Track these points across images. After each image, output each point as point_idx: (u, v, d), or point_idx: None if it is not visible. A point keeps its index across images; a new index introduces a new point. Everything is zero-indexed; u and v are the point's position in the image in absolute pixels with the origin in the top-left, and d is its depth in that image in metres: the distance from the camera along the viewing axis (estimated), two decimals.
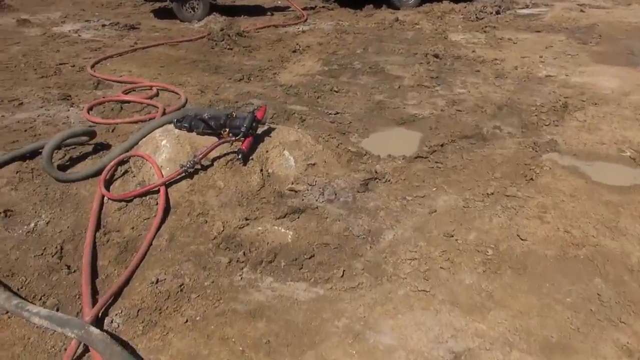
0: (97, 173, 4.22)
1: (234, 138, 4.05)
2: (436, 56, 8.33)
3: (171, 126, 4.41)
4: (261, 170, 4.18)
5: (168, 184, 3.91)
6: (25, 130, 5.40)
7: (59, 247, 3.50)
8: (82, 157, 4.71)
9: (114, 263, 3.41)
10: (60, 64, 7.87)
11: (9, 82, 6.96)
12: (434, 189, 4.26)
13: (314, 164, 4.51)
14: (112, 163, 4.21)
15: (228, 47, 9.20)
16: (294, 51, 9.03)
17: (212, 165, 4.08)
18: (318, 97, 6.72)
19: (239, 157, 4.05)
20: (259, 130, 4.43)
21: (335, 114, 6.17)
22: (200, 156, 3.95)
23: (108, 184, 4.13)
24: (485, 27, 10.46)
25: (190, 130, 4.31)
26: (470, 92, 6.76)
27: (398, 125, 5.88)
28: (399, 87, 7.18)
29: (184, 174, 3.95)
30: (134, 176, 4.18)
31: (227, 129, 4.13)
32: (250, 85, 7.29)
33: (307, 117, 5.97)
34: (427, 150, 5.03)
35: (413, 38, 9.98)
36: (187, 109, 5.39)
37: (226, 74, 7.78)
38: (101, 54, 8.51)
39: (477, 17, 11.42)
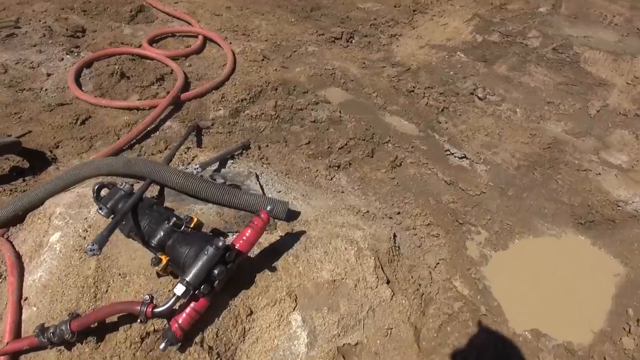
0: None
1: (150, 305, 1.71)
2: None
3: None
4: None
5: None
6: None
7: None
8: None
9: None
10: None
11: None
12: None
13: (355, 345, 2.08)
14: None
15: None
16: None
17: (103, 340, 1.83)
18: (443, 108, 3.89)
19: (164, 344, 1.72)
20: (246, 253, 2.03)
21: (460, 159, 3.40)
22: (81, 321, 1.72)
23: None
24: None
25: (111, 216, 2.06)
26: None
27: (578, 227, 2.97)
28: (599, 110, 3.98)
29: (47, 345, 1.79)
30: None
31: (166, 256, 1.79)
32: (345, 54, 4.60)
33: (405, 155, 3.32)
34: None
35: None
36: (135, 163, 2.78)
37: (320, 23, 5.12)
38: None
39: None
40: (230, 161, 2.73)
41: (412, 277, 2.43)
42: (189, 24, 4.77)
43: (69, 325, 1.70)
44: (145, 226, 1.88)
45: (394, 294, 2.23)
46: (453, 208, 2.98)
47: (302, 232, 2.22)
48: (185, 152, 2.81)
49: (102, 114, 3.44)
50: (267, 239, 2.14)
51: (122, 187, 2.03)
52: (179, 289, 1.65)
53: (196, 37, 4.56)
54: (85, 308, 1.82)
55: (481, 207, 3.02)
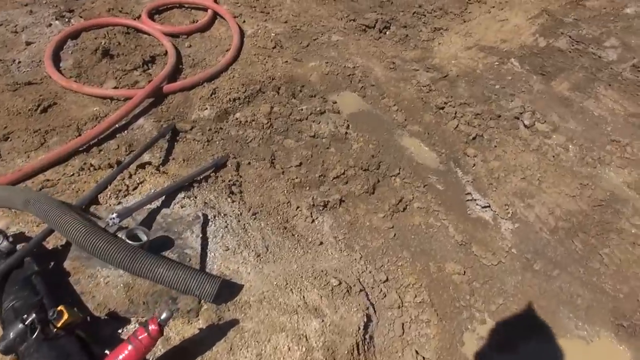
0: None
1: None
2: None
3: None
4: None
5: None
6: None
7: None
8: None
9: None
10: None
11: None
12: None
13: None
14: None
15: None
16: None
17: None
18: (476, 136, 3.17)
19: None
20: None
21: (482, 208, 2.73)
22: None
23: None
24: None
25: None
26: None
27: (618, 330, 2.29)
28: None
29: None
30: None
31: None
32: (373, 48, 3.90)
33: (413, 196, 2.70)
34: None
35: None
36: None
37: (354, 6, 4.39)
38: None
39: None
40: (181, 194, 2.20)
41: None
42: None
43: None
44: (7, 308, 1.43)
45: None
46: (457, 282, 2.36)
47: (234, 323, 1.71)
48: (135, 173, 2.30)
49: (70, 100, 2.99)
50: (182, 331, 1.64)
51: (0, 242, 1.57)
52: None
53: (205, 10, 3.98)
54: None
55: (495, 284, 2.39)
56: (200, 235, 1.96)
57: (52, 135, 2.73)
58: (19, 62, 3.22)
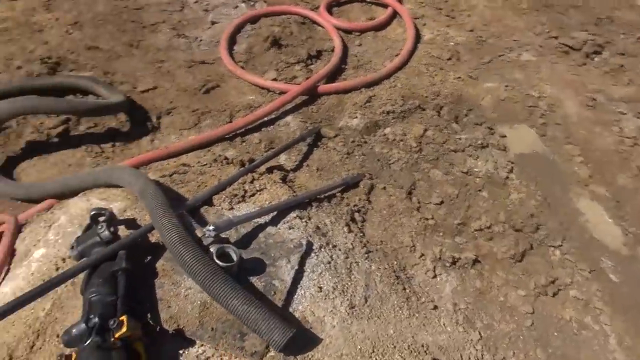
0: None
1: None
2: None
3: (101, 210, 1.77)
4: None
5: None
6: None
7: None
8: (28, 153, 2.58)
9: None
10: None
11: None
12: None
13: None
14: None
15: None
16: None
17: None
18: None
19: None
20: None
21: None
22: None
23: None
24: None
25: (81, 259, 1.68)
26: None
27: None
28: None
29: None
30: None
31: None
32: (572, 76, 3.21)
33: (572, 281, 2.13)
34: None
35: None
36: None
37: (560, 19, 3.67)
38: None
39: None
40: (294, 212, 2.04)
41: None
42: None
43: None
44: (86, 299, 1.44)
45: None
46: None
47: None
48: (258, 178, 2.21)
49: (231, 85, 3.06)
50: None
51: (101, 230, 1.60)
52: None
53: (385, 8, 3.73)
54: (19, 355, 1.52)
55: None
56: (296, 268, 1.78)
57: (207, 118, 2.82)
58: (201, 40, 3.41)
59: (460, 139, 2.75)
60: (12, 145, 2.50)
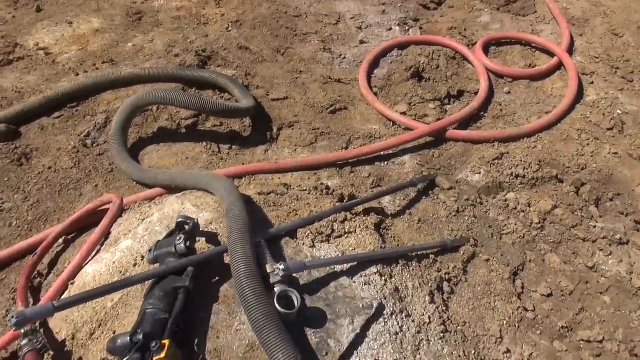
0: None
1: None
2: None
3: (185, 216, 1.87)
4: None
5: None
6: None
7: None
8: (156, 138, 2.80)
9: None
10: None
11: None
12: None
13: None
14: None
15: None
16: None
17: None
18: None
19: None
20: None
21: None
22: None
23: None
24: None
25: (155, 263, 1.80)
26: None
27: None
28: None
29: None
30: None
31: None
32: None
33: None
34: None
35: None
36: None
37: None
38: None
39: None
40: (375, 267, 1.93)
41: None
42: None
43: None
44: (142, 309, 1.54)
45: None
46: None
47: None
48: (350, 219, 2.14)
49: (359, 110, 3.04)
50: None
51: (178, 242, 1.69)
52: None
53: (551, 56, 3.36)
54: (80, 338, 1.71)
55: None
56: (357, 332, 1.69)
57: (325, 139, 2.84)
58: (344, 57, 3.45)
59: (595, 226, 2.37)
60: (147, 127, 2.79)
